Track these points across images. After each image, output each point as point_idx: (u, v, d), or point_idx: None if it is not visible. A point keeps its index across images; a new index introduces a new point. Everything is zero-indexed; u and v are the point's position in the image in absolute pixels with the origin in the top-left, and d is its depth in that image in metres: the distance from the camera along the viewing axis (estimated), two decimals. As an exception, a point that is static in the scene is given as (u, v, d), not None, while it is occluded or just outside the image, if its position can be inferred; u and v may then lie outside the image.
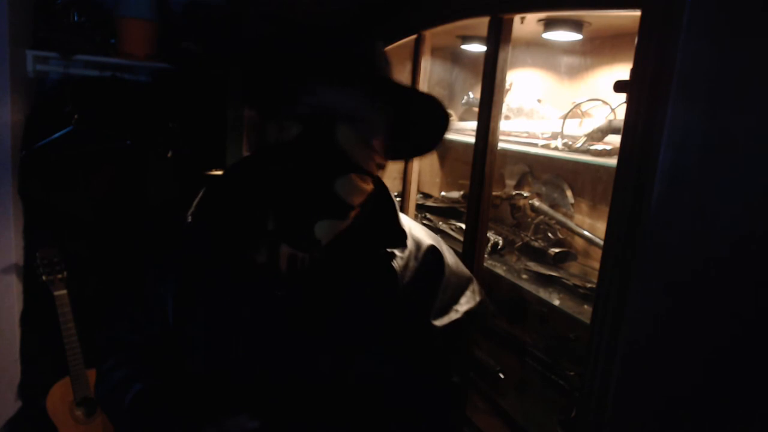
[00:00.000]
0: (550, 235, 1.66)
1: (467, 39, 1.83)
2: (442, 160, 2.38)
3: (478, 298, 0.98)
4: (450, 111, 2.16)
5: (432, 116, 0.87)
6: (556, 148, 1.42)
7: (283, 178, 0.82)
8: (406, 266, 0.91)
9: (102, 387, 0.96)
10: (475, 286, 1.00)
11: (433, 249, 0.95)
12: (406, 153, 0.97)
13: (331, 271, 0.89)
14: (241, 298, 0.89)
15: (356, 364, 0.88)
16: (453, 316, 0.94)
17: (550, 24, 1.40)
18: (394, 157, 0.92)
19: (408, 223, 0.97)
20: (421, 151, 0.98)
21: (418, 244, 0.95)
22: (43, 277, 2.02)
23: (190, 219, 0.90)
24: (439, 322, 0.92)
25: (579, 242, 1.62)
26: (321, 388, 0.87)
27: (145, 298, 0.95)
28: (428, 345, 0.93)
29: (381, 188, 0.92)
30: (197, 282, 0.90)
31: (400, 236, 0.92)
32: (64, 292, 2.03)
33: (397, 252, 0.91)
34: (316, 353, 0.87)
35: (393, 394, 0.91)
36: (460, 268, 0.99)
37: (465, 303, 0.96)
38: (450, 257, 0.98)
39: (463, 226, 1.58)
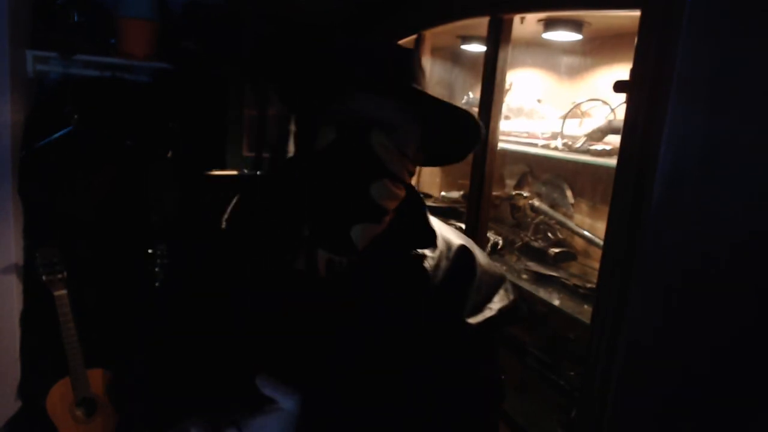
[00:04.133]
0: (550, 235, 1.66)
1: (467, 39, 1.83)
2: (442, 160, 2.38)
3: (511, 297, 0.98)
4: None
5: (464, 128, 0.90)
6: (556, 148, 1.42)
7: (320, 183, 0.85)
8: (437, 266, 0.92)
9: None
10: (507, 285, 0.99)
11: (463, 249, 0.95)
12: (436, 161, 1.00)
13: (367, 274, 0.90)
14: (278, 304, 0.89)
15: (392, 365, 0.89)
16: (487, 314, 0.93)
17: (550, 24, 1.40)
18: (424, 164, 0.96)
19: (438, 225, 0.98)
20: (450, 161, 1.01)
21: (448, 245, 0.95)
22: (43, 277, 2.02)
23: (224, 225, 0.91)
24: (473, 320, 0.92)
25: (579, 242, 1.62)
26: (357, 389, 0.88)
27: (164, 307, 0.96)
28: (464, 343, 0.92)
29: (411, 193, 0.94)
30: (233, 289, 0.90)
31: (430, 237, 0.93)
32: (64, 292, 2.03)
33: (428, 253, 0.92)
34: (354, 355, 0.88)
35: (430, 393, 0.90)
36: (492, 267, 0.99)
37: (498, 301, 0.95)
38: (481, 257, 0.98)
39: (463, 226, 1.58)
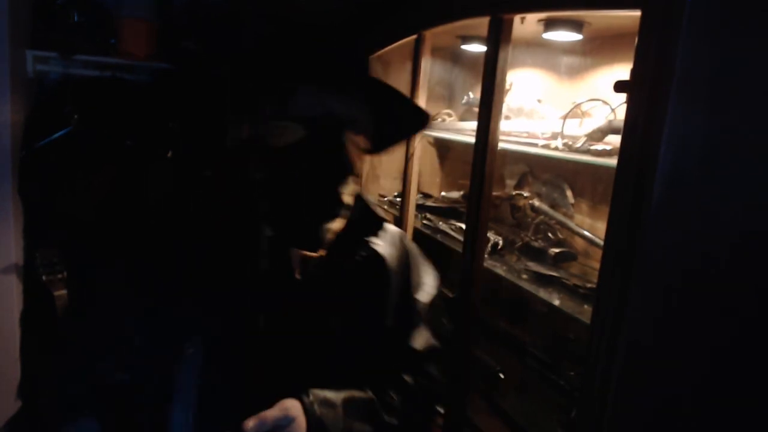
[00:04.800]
0: (550, 235, 1.66)
1: (467, 39, 1.83)
2: (442, 160, 2.38)
3: (435, 273, 1.13)
4: (450, 111, 2.16)
5: (411, 113, 0.99)
6: (556, 148, 1.42)
7: (291, 182, 0.87)
8: (388, 252, 1.03)
9: None
10: (430, 265, 1.13)
11: (402, 235, 1.07)
12: (380, 149, 1.07)
13: (332, 265, 0.96)
14: (254, 305, 0.90)
15: (362, 343, 0.99)
16: (428, 290, 1.08)
17: (550, 24, 1.40)
18: (370, 153, 1.02)
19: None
20: (393, 144, 1.11)
21: (391, 232, 1.06)
22: (43, 277, 2.02)
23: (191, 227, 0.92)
24: (421, 297, 1.06)
25: (579, 242, 1.62)
26: (330, 371, 0.95)
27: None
28: (415, 316, 1.07)
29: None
30: (209, 294, 0.91)
31: (379, 224, 1.03)
32: (64, 292, 2.03)
33: (379, 241, 1.02)
34: (330, 342, 0.95)
35: (388, 359, 1.04)
36: (417, 249, 1.13)
37: (431, 280, 1.10)
38: (410, 242, 1.10)
39: (463, 226, 1.58)
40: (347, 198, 0.90)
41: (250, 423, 0.83)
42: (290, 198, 0.88)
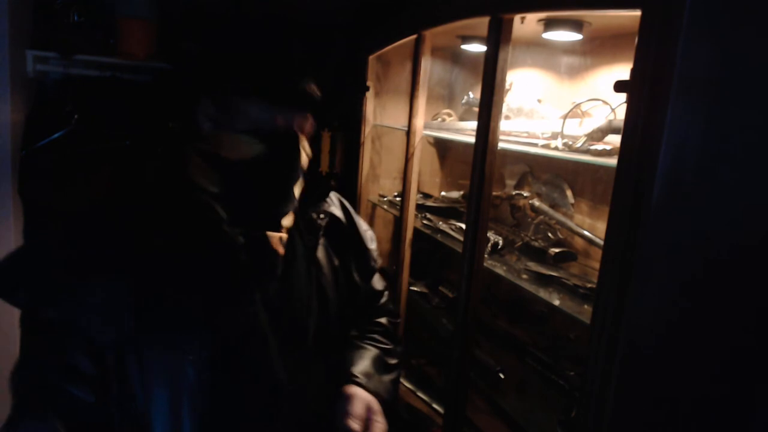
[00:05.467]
0: (550, 235, 1.66)
1: (467, 39, 1.83)
2: (442, 160, 2.38)
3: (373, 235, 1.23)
4: (450, 110, 2.16)
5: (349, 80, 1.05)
6: (556, 148, 1.42)
7: (247, 189, 0.91)
8: (339, 212, 1.12)
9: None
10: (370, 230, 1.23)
11: (338, 196, 1.16)
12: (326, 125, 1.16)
13: (298, 244, 1.02)
14: (231, 295, 0.90)
15: (346, 299, 1.08)
16: (371, 236, 1.19)
17: (550, 24, 1.40)
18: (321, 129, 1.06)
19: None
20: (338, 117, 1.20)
21: (332, 195, 1.15)
22: (43, 277, 2.02)
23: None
24: (370, 245, 1.17)
25: (579, 242, 1.62)
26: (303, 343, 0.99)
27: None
28: (372, 262, 1.18)
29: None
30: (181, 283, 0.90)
31: (324, 191, 1.11)
32: (63, 292, 2.03)
33: (329, 203, 1.11)
34: (306, 316, 1.00)
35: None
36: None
37: (367, 227, 1.20)
38: (345, 200, 1.20)
39: (463, 226, 1.58)
40: (297, 190, 0.96)
41: (353, 425, 0.92)
42: (247, 207, 0.91)
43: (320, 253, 1.06)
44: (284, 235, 0.96)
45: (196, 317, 0.87)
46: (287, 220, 0.96)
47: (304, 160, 0.95)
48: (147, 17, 2.25)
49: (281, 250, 0.95)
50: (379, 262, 1.21)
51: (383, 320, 1.20)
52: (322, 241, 1.06)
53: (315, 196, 1.07)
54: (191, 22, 2.37)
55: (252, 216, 0.92)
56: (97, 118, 2.17)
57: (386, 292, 1.24)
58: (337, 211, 1.12)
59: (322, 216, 1.07)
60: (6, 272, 0.90)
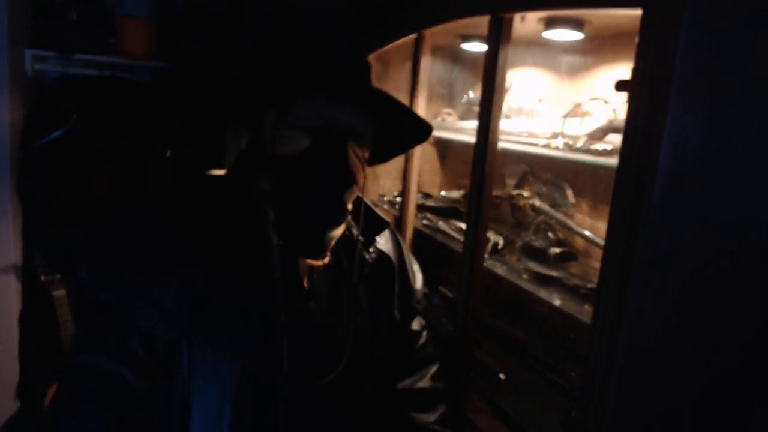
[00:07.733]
0: (550, 235, 1.65)
1: (467, 38, 1.83)
2: (442, 160, 2.38)
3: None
4: (450, 110, 2.15)
5: (413, 125, 0.98)
6: (556, 148, 1.42)
7: (297, 190, 0.87)
8: (388, 248, 1.07)
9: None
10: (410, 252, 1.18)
11: (392, 228, 1.10)
12: (381, 160, 1.06)
13: (338, 270, 0.97)
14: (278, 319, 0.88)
15: (380, 340, 1.03)
16: (419, 276, 1.15)
17: (550, 23, 1.39)
18: (370, 164, 1.01)
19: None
20: (394, 155, 1.10)
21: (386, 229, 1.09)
22: (43, 277, 2.02)
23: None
24: (416, 285, 1.13)
25: (579, 242, 1.62)
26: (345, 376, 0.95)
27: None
28: (415, 304, 1.13)
29: None
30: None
31: (382, 223, 1.04)
32: (63, 292, 2.03)
33: (380, 239, 1.04)
34: (343, 346, 0.95)
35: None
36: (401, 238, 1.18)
37: (417, 266, 1.17)
38: (397, 232, 1.16)
39: (463, 226, 1.58)
40: (349, 206, 0.91)
41: None
42: (296, 207, 0.87)
43: (362, 287, 1.01)
44: (318, 263, 0.93)
45: (251, 319, 0.86)
46: (330, 245, 0.91)
47: (353, 195, 0.92)
48: (146, 17, 2.25)
49: (305, 282, 0.92)
50: (423, 303, 1.16)
51: (425, 383, 1.13)
52: (365, 278, 1.01)
53: (370, 230, 1.02)
54: (191, 21, 2.37)
55: (300, 227, 0.88)
56: (97, 118, 2.17)
57: (424, 332, 1.18)
58: (387, 247, 1.07)
59: (371, 251, 1.02)
60: (72, 251, 0.91)
